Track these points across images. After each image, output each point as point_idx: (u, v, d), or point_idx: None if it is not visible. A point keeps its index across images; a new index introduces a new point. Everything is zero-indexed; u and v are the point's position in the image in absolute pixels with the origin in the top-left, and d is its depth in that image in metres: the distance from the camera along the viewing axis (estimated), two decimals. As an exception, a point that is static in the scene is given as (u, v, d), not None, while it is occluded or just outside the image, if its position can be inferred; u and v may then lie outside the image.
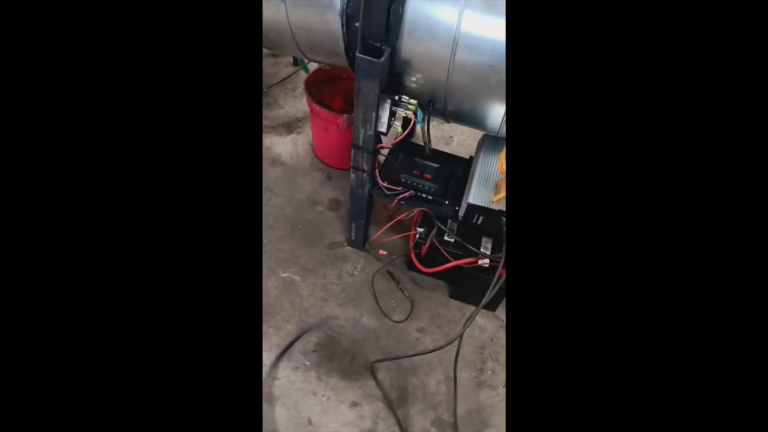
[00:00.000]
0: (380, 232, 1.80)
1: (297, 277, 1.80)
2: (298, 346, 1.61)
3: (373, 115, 1.34)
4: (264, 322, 1.65)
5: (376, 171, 1.58)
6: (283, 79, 2.62)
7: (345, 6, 1.25)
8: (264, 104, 2.49)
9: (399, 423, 1.46)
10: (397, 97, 1.35)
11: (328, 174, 2.19)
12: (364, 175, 1.56)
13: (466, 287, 1.73)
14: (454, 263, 1.60)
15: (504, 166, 1.26)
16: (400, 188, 1.59)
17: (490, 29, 1.17)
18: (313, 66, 2.16)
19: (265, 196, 2.05)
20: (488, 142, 1.57)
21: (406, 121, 1.41)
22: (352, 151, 1.50)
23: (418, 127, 1.46)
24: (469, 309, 1.76)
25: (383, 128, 1.40)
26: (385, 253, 1.87)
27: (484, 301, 1.43)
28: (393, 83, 1.36)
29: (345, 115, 1.88)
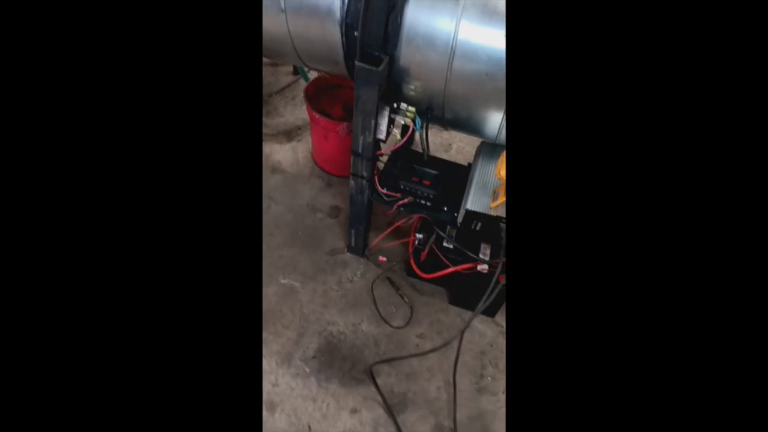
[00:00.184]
0: (379, 238, 1.81)
1: (297, 284, 1.80)
2: (298, 353, 1.61)
3: (372, 122, 1.36)
4: (264, 329, 1.65)
5: (376, 178, 1.59)
6: (283, 88, 2.65)
7: (344, 16, 1.28)
8: (264, 112, 2.51)
9: (399, 430, 1.45)
10: (395, 105, 1.37)
11: (327, 181, 2.21)
12: (364, 181, 1.58)
13: (465, 293, 1.74)
14: (452, 269, 1.61)
15: (502, 172, 1.27)
16: (399, 195, 1.60)
17: (486, 38, 1.19)
18: (312, 75, 2.19)
19: (265, 203, 2.06)
20: (486, 149, 1.58)
21: (405, 128, 1.43)
22: (352, 158, 1.52)
23: (417, 135, 1.48)
24: (469, 315, 1.76)
25: (382, 135, 1.42)
26: (384, 259, 1.88)
27: (481, 306, 1.44)
28: (391, 91, 1.38)
29: (344, 123, 1.90)
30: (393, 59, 1.29)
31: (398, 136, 1.44)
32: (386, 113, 1.36)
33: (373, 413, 1.49)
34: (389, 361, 1.59)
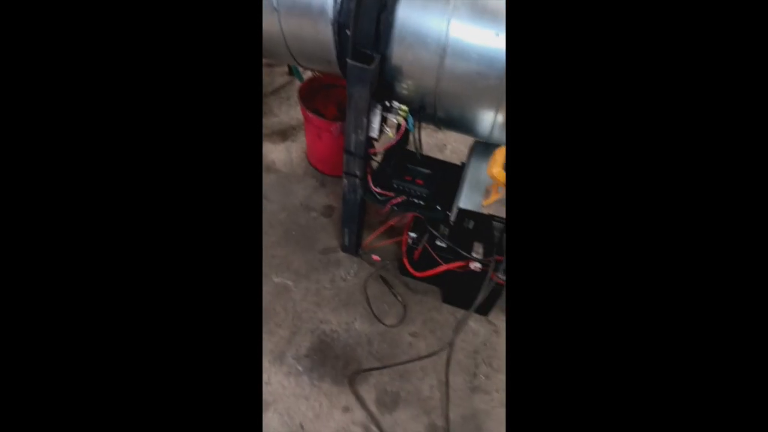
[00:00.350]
0: (372, 236, 1.82)
1: (290, 282, 1.80)
2: (290, 351, 1.61)
3: (365, 120, 1.36)
4: (257, 328, 1.65)
5: (369, 177, 1.60)
6: (278, 88, 2.66)
7: (337, 15, 1.28)
8: (259, 112, 2.52)
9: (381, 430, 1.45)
10: (388, 103, 1.37)
11: (321, 181, 2.21)
12: (357, 180, 1.58)
13: (458, 291, 1.74)
14: (445, 267, 1.61)
15: (493, 171, 1.28)
16: (392, 194, 1.61)
17: (477, 37, 1.20)
18: (307, 75, 2.19)
19: (259, 202, 2.06)
20: (479, 148, 1.59)
21: (398, 127, 1.43)
22: (345, 156, 1.52)
23: (411, 134, 1.49)
24: (462, 313, 1.77)
25: (374, 134, 1.43)
26: (378, 258, 1.88)
27: (475, 304, 1.44)
28: (384, 90, 1.38)
29: (338, 123, 1.91)
30: (385, 58, 1.30)
31: (391, 135, 1.44)
32: (378, 111, 1.37)
33: (365, 411, 1.49)
34: (376, 369, 1.58)
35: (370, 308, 1.76)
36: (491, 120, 1.37)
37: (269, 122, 2.48)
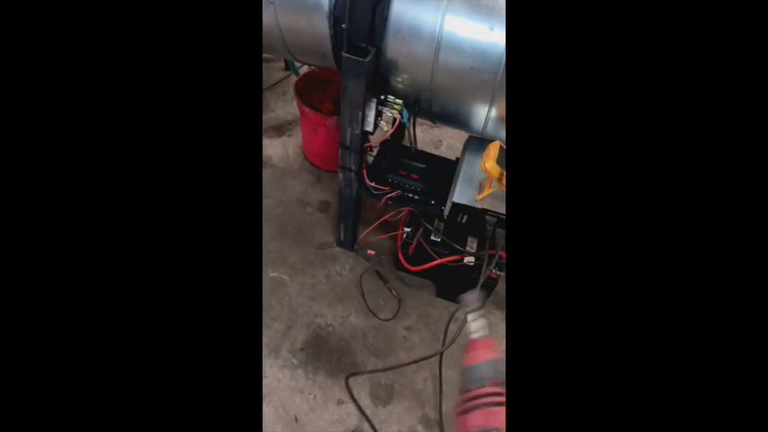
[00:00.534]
0: (367, 231, 1.82)
1: (286, 277, 1.81)
2: (285, 345, 1.62)
3: (360, 114, 1.37)
4: (252, 321, 1.65)
5: (364, 171, 1.61)
6: (274, 84, 2.66)
7: (332, 8, 1.29)
8: (255, 108, 2.51)
9: (374, 429, 1.46)
10: (383, 97, 1.38)
11: (317, 176, 2.21)
12: (352, 174, 1.59)
13: (452, 286, 1.75)
14: (439, 261, 1.62)
15: (487, 165, 1.29)
16: (387, 188, 1.61)
17: (471, 31, 1.21)
18: (303, 70, 2.20)
19: (255, 197, 2.06)
20: (473, 143, 1.60)
21: (393, 120, 1.44)
22: (340, 150, 1.53)
23: (406, 130, 1.49)
24: (455, 307, 1.78)
25: (370, 127, 1.43)
26: (373, 252, 1.89)
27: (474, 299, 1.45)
28: (379, 83, 1.39)
29: (334, 117, 1.91)
30: (380, 51, 1.30)
31: (385, 128, 1.45)
32: (373, 105, 1.37)
33: (360, 403, 1.50)
34: (367, 373, 1.58)
35: (365, 302, 1.76)
36: (485, 114, 1.38)
37: (266, 117, 2.48)
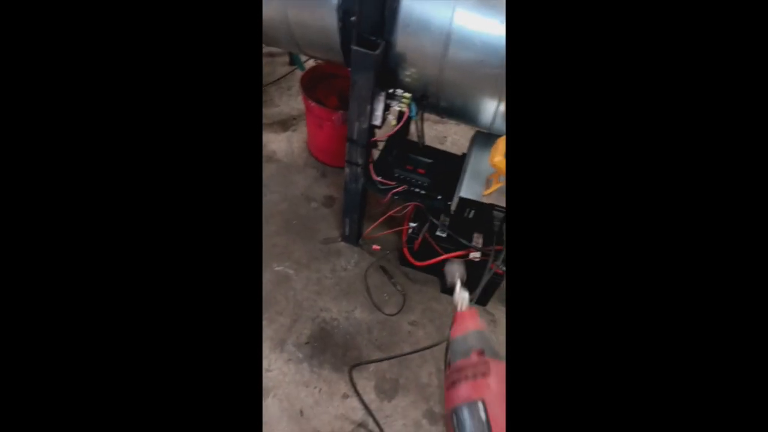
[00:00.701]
0: (372, 226, 1.82)
1: (291, 271, 1.81)
2: (291, 339, 1.62)
3: (368, 108, 1.37)
4: (257, 315, 1.66)
5: (371, 165, 1.60)
6: (279, 78, 2.65)
7: (341, 1, 1.28)
8: (259, 102, 2.51)
9: (377, 423, 1.46)
10: (391, 91, 1.38)
11: (322, 171, 2.21)
12: (358, 169, 1.59)
13: (457, 281, 1.75)
14: (444, 256, 1.62)
15: (495, 159, 1.29)
16: (393, 183, 1.61)
17: (482, 25, 1.21)
18: (308, 65, 2.19)
19: (260, 191, 2.07)
20: (480, 138, 1.60)
21: (400, 114, 1.44)
22: (347, 145, 1.53)
23: (412, 125, 1.49)
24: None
25: (377, 121, 1.43)
26: (378, 248, 1.89)
27: (475, 294, 1.45)
28: (387, 77, 1.39)
29: (340, 112, 1.91)
30: (389, 44, 1.30)
31: (393, 122, 1.45)
32: (382, 99, 1.37)
33: (365, 397, 1.50)
34: (369, 362, 1.58)
35: (370, 297, 1.76)
36: (493, 109, 1.38)
37: (270, 112, 2.48)
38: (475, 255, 1.59)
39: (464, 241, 1.58)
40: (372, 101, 1.35)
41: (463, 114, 1.49)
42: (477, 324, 0.78)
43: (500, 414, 0.59)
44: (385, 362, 1.59)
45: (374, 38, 1.27)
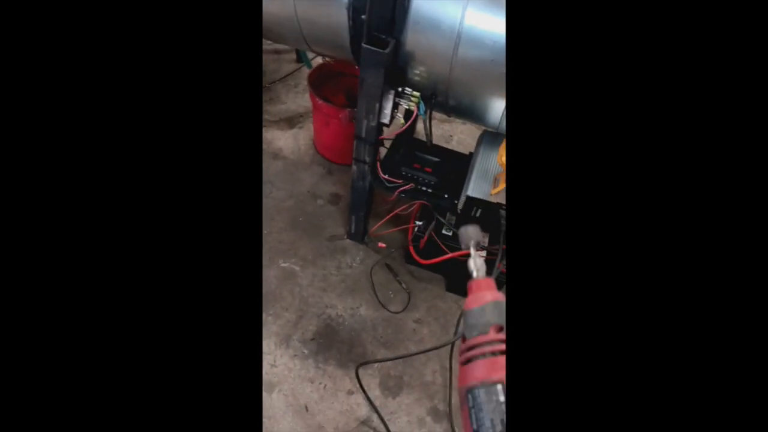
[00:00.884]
0: (378, 224, 1.83)
1: (297, 268, 1.82)
2: (296, 335, 1.63)
3: (377, 106, 1.37)
4: (263, 311, 1.67)
5: (378, 163, 1.61)
6: (286, 76, 2.66)
7: (351, -1, 1.29)
8: (266, 99, 2.52)
9: (382, 420, 1.47)
10: (400, 89, 1.38)
11: (328, 168, 2.22)
12: (366, 166, 1.59)
13: (462, 280, 1.75)
14: (450, 255, 1.62)
15: (503, 159, 1.29)
16: (400, 181, 1.62)
17: (492, 24, 1.21)
18: (316, 63, 2.19)
19: (266, 189, 2.07)
20: (487, 137, 1.60)
21: (408, 113, 1.44)
22: (355, 142, 1.53)
23: (420, 123, 1.49)
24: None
25: (386, 119, 1.43)
26: (384, 245, 1.90)
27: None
28: (396, 75, 1.39)
29: (347, 110, 1.91)
30: (399, 43, 1.30)
31: (402, 121, 1.45)
32: (391, 97, 1.37)
33: (369, 394, 1.51)
34: (380, 361, 1.59)
35: (376, 295, 1.77)
36: (502, 109, 1.38)
37: (277, 109, 2.48)
38: (481, 254, 1.59)
39: (470, 240, 1.58)
40: (381, 99, 1.36)
41: (471, 113, 1.49)
42: (495, 294, 0.70)
43: None
44: (390, 360, 1.60)
45: (384, 36, 1.27)
